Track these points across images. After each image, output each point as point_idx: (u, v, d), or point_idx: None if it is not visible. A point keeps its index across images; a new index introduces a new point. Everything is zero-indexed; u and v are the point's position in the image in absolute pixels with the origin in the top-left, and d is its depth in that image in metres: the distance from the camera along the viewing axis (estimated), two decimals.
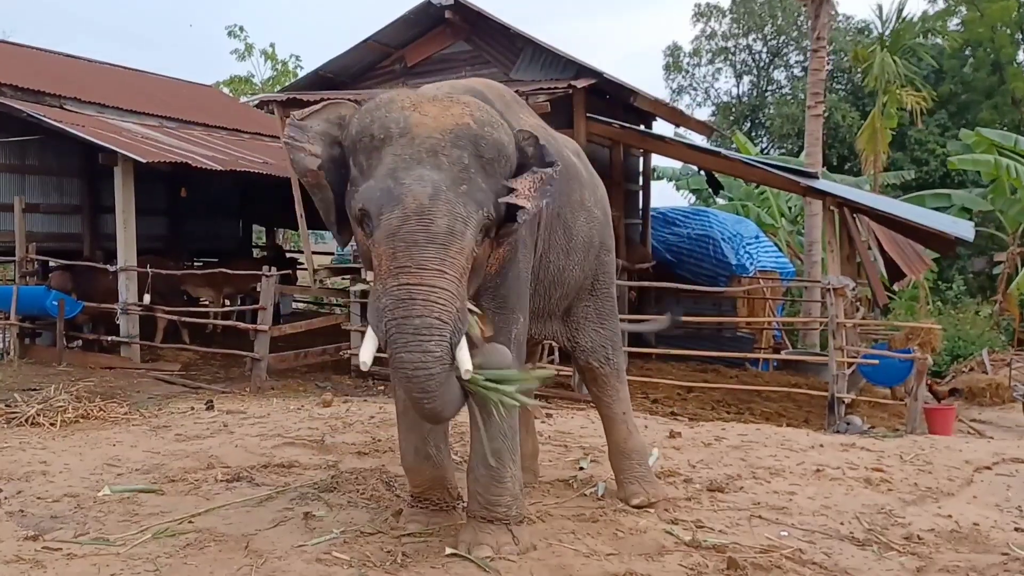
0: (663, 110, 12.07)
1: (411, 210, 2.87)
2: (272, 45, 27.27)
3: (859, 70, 19.57)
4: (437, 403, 2.91)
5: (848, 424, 7.69)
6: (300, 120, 3.29)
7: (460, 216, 2.91)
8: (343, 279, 11.68)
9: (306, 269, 12.25)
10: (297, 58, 27.21)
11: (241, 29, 26.64)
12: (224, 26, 31.10)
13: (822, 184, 10.25)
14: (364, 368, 2.95)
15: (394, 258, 2.87)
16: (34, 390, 7.42)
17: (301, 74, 17.17)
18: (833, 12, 17.94)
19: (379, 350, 2.96)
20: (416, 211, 2.86)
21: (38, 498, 4.34)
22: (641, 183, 13.07)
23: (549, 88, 9.27)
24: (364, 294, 10.38)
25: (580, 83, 9.56)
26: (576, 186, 4.13)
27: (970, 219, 16.38)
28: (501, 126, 3.17)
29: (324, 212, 3.34)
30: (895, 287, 13.16)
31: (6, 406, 6.65)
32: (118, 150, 10.15)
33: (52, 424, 6.26)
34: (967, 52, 24.13)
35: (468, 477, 3.63)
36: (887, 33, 18.66)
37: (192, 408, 7.29)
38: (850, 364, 8.31)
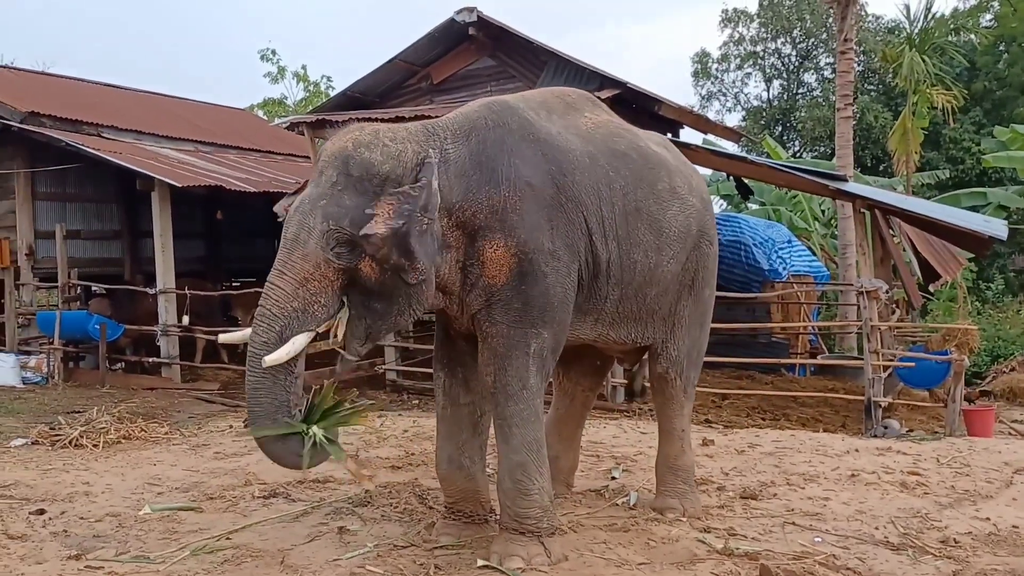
0: (689, 118, 12.04)
1: (285, 220, 3.42)
2: (304, 67, 27.66)
3: (889, 70, 19.34)
4: (251, 379, 3.26)
5: (886, 428, 7.59)
6: None
7: (306, 226, 3.28)
8: None
9: None
10: (328, 79, 27.54)
11: (274, 52, 27.06)
12: (257, 50, 31.67)
13: (851, 186, 10.14)
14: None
15: None
16: (78, 412, 7.60)
17: (332, 94, 17.41)
18: (861, 13, 17.80)
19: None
20: (286, 221, 3.40)
21: (81, 518, 4.47)
22: None
23: None
24: None
25: (604, 94, 9.56)
26: (662, 174, 4.03)
27: (1007, 217, 16.09)
28: (376, 148, 3.35)
29: None
30: (930, 288, 12.96)
31: (51, 429, 6.83)
32: (155, 175, 10.38)
33: (95, 445, 6.41)
34: (1001, 48, 23.73)
35: (497, 490, 3.67)
36: (915, 32, 18.43)
37: (231, 426, 7.41)
38: (886, 367, 8.20)
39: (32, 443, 6.64)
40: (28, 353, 11.14)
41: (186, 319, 10.61)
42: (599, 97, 9.46)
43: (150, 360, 10.92)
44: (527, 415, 3.55)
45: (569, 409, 4.68)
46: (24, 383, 10.45)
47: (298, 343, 3.24)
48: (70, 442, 6.46)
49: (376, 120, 9.95)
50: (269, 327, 3.25)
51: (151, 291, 10.78)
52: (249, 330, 3.39)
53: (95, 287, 11.72)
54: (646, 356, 4.48)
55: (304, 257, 3.24)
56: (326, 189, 3.31)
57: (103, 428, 6.71)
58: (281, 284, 3.26)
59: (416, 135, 3.48)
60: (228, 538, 4.05)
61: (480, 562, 3.53)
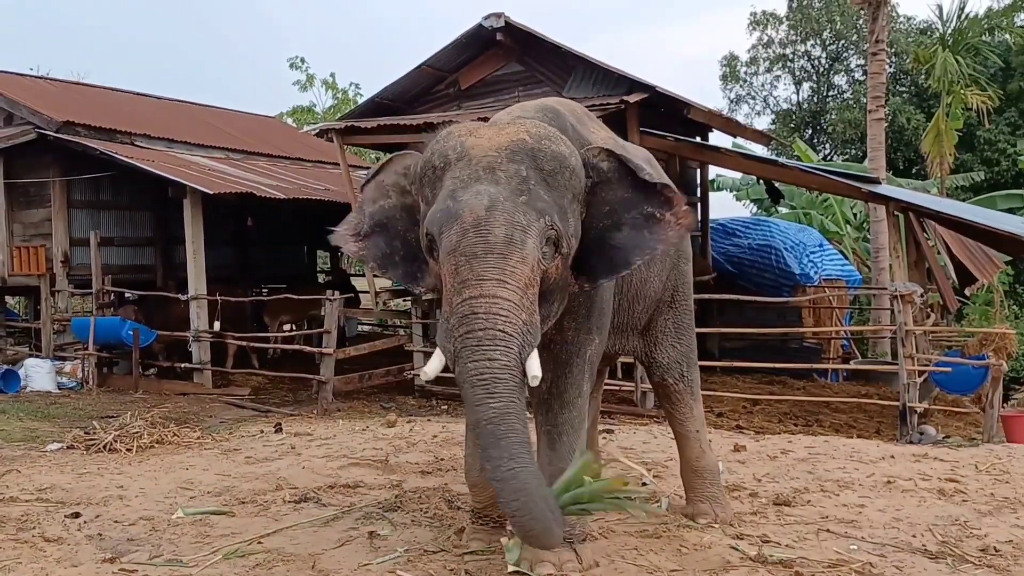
0: (718, 121, 11.98)
1: (468, 223, 2.84)
2: (332, 75, 27.96)
3: (922, 71, 19.11)
4: (500, 406, 2.72)
5: (922, 434, 7.49)
6: (370, 177, 3.47)
7: (520, 224, 2.85)
8: (404, 300, 11.87)
9: (368, 292, 12.46)
10: (357, 86, 27.79)
11: (302, 61, 27.35)
12: (286, 58, 31.98)
13: (884, 189, 10.02)
14: (424, 379, 2.94)
15: (456, 273, 2.85)
16: (112, 417, 7.68)
17: (360, 101, 17.52)
18: (893, 14, 17.60)
19: (445, 368, 2.93)
20: (473, 224, 2.84)
21: (115, 521, 4.50)
22: (699, 195, 12.97)
23: (601, 104, 9.29)
24: (425, 315, 10.50)
25: (632, 98, 9.56)
26: None
27: None
28: (560, 140, 3.10)
29: (401, 270, 3.39)
30: (966, 291, 12.77)
31: (85, 433, 6.90)
32: (187, 183, 10.49)
33: (129, 450, 6.46)
34: None
35: None
36: (948, 32, 18.19)
37: (261, 431, 7.46)
38: (922, 372, 8.07)
39: (67, 447, 6.72)
40: (63, 359, 11.31)
41: (217, 325, 10.72)
42: (627, 101, 9.51)
43: (182, 366, 11.03)
44: (577, 423, 3.53)
45: None
46: (60, 388, 10.61)
47: (535, 361, 2.85)
48: (104, 446, 6.52)
49: (405, 126, 10.06)
50: (508, 348, 2.76)
51: (183, 297, 10.90)
52: (436, 359, 2.94)
53: (129, 293, 11.86)
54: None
55: (523, 260, 2.83)
56: (517, 184, 2.92)
57: (136, 433, 6.77)
58: (506, 295, 2.78)
59: None
60: (259, 542, 4.05)
61: (511, 567, 3.51)
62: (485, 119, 4.95)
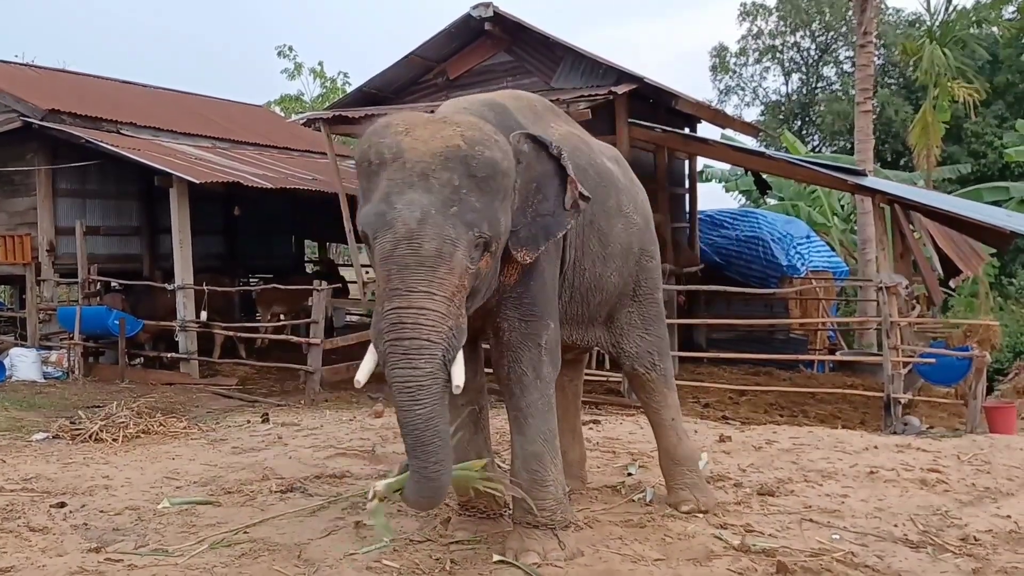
0: (707, 113, 11.99)
1: (401, 235, 2.98)
2: (320, 63, 27.72)
3: (910, 64, 19.18)
4: (424, 412, 2.95)
5: (906, 425, 7.53)
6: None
7: (449, 238, 2.99)
8: None
9: (356, 282, 12.44)
10: (345, 75, 27.58)
11: (290, 49, 27.13)
12: (274, 46, 31.80)
13: (870, 181, 10.05)
14: (358, 386, 3.13)
15: (388, 280, 3.00)
16: (98, 407, 7.65)
17: (349, 90, 17.44)
18: (881, 6, 17.65)
19: (378, 367, 3.08)
20: (406, 236, 2.97)
21: (101, 511, 4.50)
22: (687, 186, 12.98)
23: (590, 95, 9.28)
24: None
25: (621, 89, 9.56)
26: (612, 192, 4.13)
27: None
28: (495, 144, 3.20)
29: None
30: (951, 283, 12.85)
31: (71, 423, 6.88)
32: (173, 172, 10.43)
33: (115, 440, 6.44)
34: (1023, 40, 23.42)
35: (512, 482, 3.67)
36: (936, 25, 18.25)
37: (248, 421, 7.45)
38: (906, 363, 8.12)
39: (53, 437, 6.70)
40: (49, 348, 11.25)
41: (204, 315, 10.68)
42: (616, 92, 9.50)
43: (168, 356, 11.00)
44: (541, 406, 3.57)
45: (563, 401, 4.71)
46: (45, 378, 10.55)
47: (461, 361, 3.05)
48: (90, 436, 6.50)
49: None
50: (431, 356, 2.94)
51: (169, 287, 10.86)
52: (370, 359, 3.11)
53: (115, 283, 11.81)
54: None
55: (451, 271, 2.99)
56: (448, 194, 3.03)
57: (122, 423, 6.75)
58: (433, 306, 2.95)
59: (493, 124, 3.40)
60: (245, 532, 4.07)
61: (496, 557, 3.53)
62: None
